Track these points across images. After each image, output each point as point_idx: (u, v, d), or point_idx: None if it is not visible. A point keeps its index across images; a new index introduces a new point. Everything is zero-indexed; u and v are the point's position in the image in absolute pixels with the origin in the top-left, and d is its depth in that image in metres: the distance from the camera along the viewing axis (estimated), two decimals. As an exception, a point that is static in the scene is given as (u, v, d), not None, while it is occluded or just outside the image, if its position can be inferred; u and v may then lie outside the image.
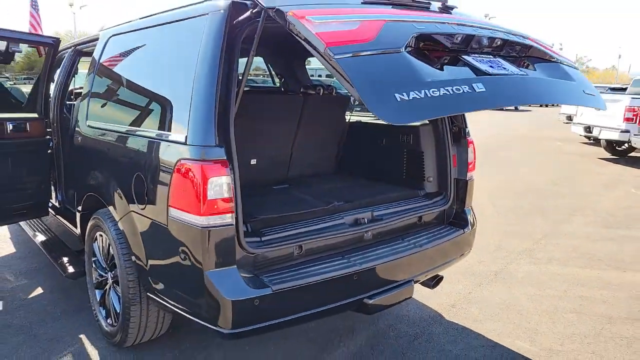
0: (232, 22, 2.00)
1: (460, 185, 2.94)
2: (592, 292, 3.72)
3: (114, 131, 2.56)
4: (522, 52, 2.28)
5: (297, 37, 1.68)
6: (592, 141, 11.92)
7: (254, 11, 1.87)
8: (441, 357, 2.78)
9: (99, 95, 2.93)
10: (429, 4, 2.20)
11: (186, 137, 1.98)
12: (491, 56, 2.10)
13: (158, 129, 2.20)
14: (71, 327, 3.04)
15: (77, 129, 3.06)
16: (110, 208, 2.55)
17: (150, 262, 2.30)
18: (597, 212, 6.10)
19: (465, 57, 1.99)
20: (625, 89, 12.09)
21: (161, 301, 2.33)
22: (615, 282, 3.92)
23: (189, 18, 2.21)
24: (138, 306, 2.53)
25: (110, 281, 2.79)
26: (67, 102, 4.01)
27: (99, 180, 2.69)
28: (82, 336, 2.93)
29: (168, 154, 2.07)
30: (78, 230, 3.19)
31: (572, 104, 2.31)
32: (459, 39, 2.00)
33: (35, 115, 3.69)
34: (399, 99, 1.56)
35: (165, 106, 2.24)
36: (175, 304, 2.23)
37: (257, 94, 3.31)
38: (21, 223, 4.31)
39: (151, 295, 2.40)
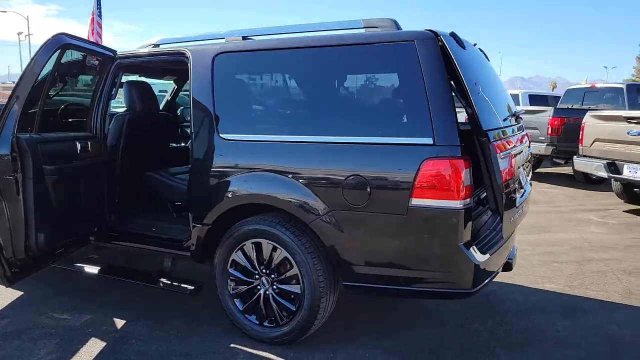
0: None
1: None
2: (549, 248, 5.07)
3: (307, 142, 2.76)
4: None
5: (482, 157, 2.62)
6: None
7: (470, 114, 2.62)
8: (524, 304, 3.66)
9: (242, 108, 3.06)
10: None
11: (434, 140, 2.46)
12: None
13: (385, 137, 2.57)
14: (218, 338, 3.05)
15: (207, 142, 3.07)
16: (295, 212, 2.77)
17: (367, 253, 2.65)
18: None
19: None
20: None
21: (368, 285, 2.70)
22: (554, 240, 5.37)
23: (386, 42, 2.66)
24: (326, 298, 2.81)
25: (267, 285, 2.96)
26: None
27: (269, 189, 2.84)
28: (235, 345, 2.99)
29: (410, 155, 2.50)
30: (193, 244, 3.17)
31: None
32: None
33: (85, 133, 3.43)
34: None
35: (390, 115, 2.65)
36: (392, 283, 2.65)
37: None
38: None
39: (352, 284, 2.73)
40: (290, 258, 2.83)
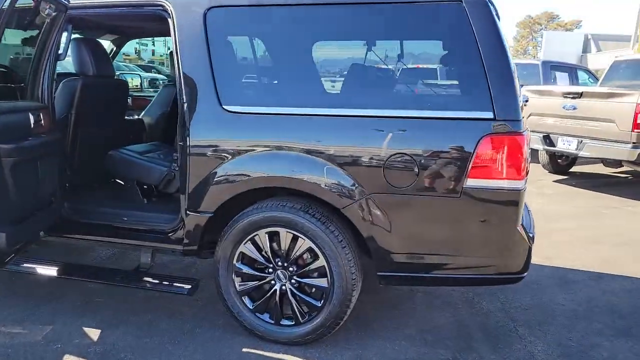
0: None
1: None
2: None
3: (340, 115, 2.37)
4: None
5: None
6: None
7: None
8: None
9: (252, 75, 2.57)
10: None
11: (494, 114, 2.22)
12: None
13: (437, 110, 2.29)
14: (225, 343, 2.63)
15: (205, 116, 2.56)
16: (325, 197, 2.42)
17: (410, 239, 2.39)
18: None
19: None
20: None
21: (407, 274, 2.46)
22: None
23: (430, 2, 2.35)
24: (357, 290, 2.53)
25: (284, 279, 2.59)
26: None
27: (292, 170, 2.44)
28: (248, 349, 2.60)
29: (467, 130, 2.24)
30: (187, 235, 2.69)
31: None
32: None
33: (37, 103, 2.74)
34: None
35: (441, 86, 2.35)
36: (436, 271, 2.43)
37: None
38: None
39: (389, 274, 2.47)
40: (316, 248, 2.49)
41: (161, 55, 28.52)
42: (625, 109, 5.82)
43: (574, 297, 3.39)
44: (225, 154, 2.54)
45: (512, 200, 2.28)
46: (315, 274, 2.57)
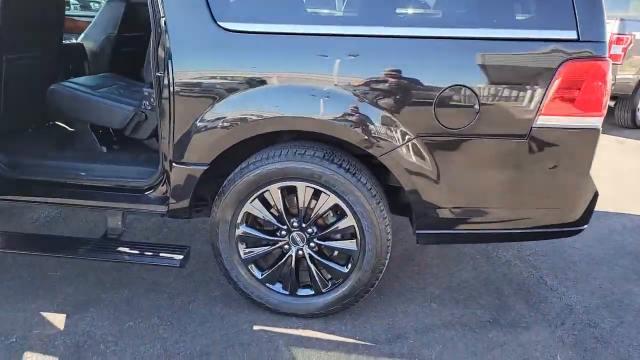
0: None
1: None
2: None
3: (377, 35, 1.83)
4: None
5: None
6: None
7: None
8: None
9: None
10: None
11: (578, 34, 1.78)
12: None
13: (504, 29, 1.81)
14: (229, 320, 2.16)
15: (193, 36, 1.92)
16: (359, 142, 1.93)
17: (463, 191, 1.99)
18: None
19: None
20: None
21: (455, 231, 2.08)
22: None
23: None
24: (390, 254, 2.13)
25: (301, 243, 2.13)
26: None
27: (313, 108, 1.91)
28: (260, 326, 2.15)
29: (543, 55, 1.80)
30: (174, 193, 2.12)
31: None
32: None
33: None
34: None
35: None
36: (491, 226, 2.07)
37: None
38: None
39: (432, 232, 2.08)
40: (344, 205, 2.03)
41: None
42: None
43: (583, 238, 3.19)
44: (225, 88, 1.94)
45: (589, 141, 1.91)
46: (338, 236, 2.13)
